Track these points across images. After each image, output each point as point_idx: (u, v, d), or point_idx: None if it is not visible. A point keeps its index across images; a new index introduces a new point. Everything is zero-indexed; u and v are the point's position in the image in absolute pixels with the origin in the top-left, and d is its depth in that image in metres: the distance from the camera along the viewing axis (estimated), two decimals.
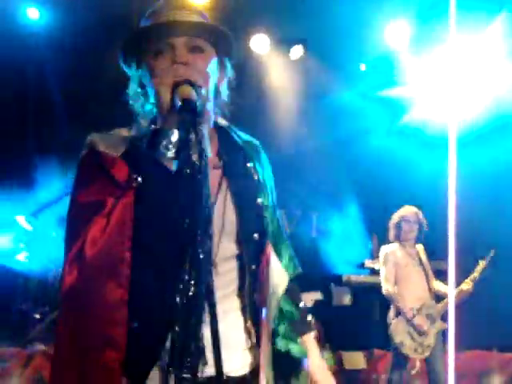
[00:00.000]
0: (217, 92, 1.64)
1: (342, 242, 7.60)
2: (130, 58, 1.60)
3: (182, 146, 1.33)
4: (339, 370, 5.89)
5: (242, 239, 1.58)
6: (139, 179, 1.40)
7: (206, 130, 1.39)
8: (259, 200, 1.64)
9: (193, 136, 1.31)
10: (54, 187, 6.04)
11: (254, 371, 1.60)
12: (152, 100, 1.53)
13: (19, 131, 5.84)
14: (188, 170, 1.28)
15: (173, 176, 1.37)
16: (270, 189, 1.74)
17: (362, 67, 6.96)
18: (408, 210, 5.15)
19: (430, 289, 5.03)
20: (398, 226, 5.10)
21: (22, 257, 6.12)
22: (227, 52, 1.65)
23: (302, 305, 1.76)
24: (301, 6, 5.79)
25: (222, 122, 1.72)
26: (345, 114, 6.79)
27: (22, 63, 5.39)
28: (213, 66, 1.59)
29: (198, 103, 1.37)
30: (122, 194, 1.41)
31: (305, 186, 7.17)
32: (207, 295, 1.36)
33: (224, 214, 1.55)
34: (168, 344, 1.40)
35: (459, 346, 4.83)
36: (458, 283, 4.78)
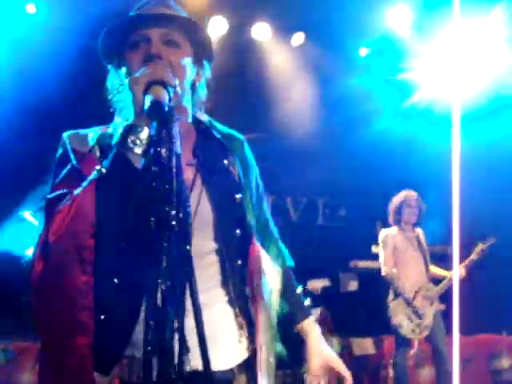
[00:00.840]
0: (194, 88, 1.64)
1: (348, 228, 7.60)
2: (109, 51, 1.61)
3: (151, 144, 1.33)
4: (348, 357, 5.91)
5: (219, 235, 1.57)
6: (103, 170, 1.40)
7: (177, 127, 1.38)
8: (237, 196, 1.62)
9: (164, 134, 1.30)
10: None
11: (246, 363, 1.59)
12: (126, 95, 1.53)
13: (25, 129, 5.84)
14: (156, 168, 1.27)
15: (138, 172, 1.37)
16: (254, 183, 1.73)
17: (364, 51, 6.90)
18: (409, 194, 5.19)
19: (427, 272, 5.10)
20: (399, 210, 5.15)
21: (30, 252, 6.16)
22: (204, 48, 1.65)
23: (299, 291, 1.77)
24: None
25: (202, 117, 1.71)
26: (348, 99, 6.76)
27: (21, 60, 5.38)
28: (188, 62, 1.59)
29: (167, 104, 1.37)
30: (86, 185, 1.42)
31: (310, 172, 7.15)
32: (189, 287, 1.34)
33: (198, 211, 1.55)
34: (136, 338, 1.42)
35: (469, 330, 4.86)
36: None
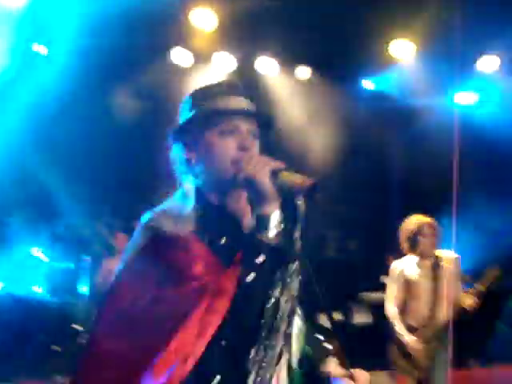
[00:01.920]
0: None
1: (359, 260, 7.53)
2: (189, 133, 1.65)
3: (288, 233, 1.43)
4: None
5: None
6: (248, 276, 1.42)
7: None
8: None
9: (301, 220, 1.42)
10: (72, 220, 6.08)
11: None
12: (202, 172, 1.61)
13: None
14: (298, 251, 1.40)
15: (275, 258, 1.43)
16: None
17: (368, 83, 6.98)
18: (423, 221, 4.38)
19: (437, 304, 4.35)
20: (414, 239, 4.37)
21: (40, 289, 6.14)
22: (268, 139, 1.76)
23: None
24: (306, 26, 5.82)
25: None
26: (355, 128, 6.80)
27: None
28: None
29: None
30: (205, 288, 1.41)
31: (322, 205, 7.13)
32: None
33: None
34: None
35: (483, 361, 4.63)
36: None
